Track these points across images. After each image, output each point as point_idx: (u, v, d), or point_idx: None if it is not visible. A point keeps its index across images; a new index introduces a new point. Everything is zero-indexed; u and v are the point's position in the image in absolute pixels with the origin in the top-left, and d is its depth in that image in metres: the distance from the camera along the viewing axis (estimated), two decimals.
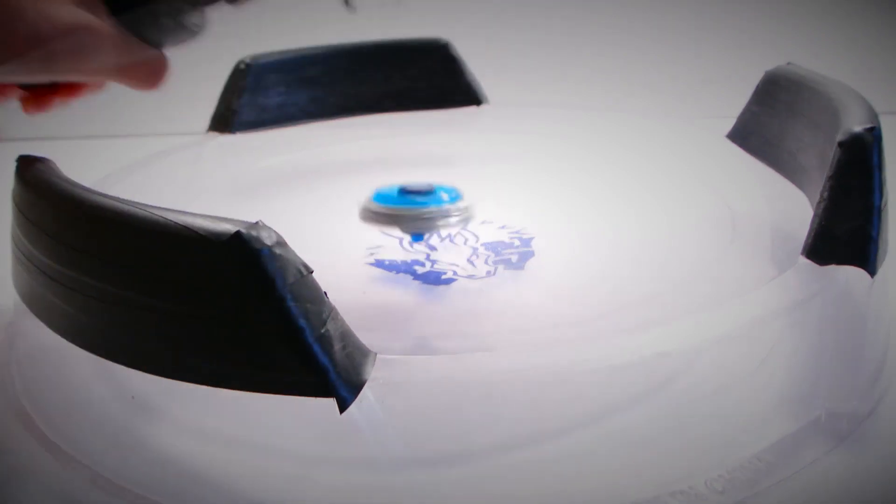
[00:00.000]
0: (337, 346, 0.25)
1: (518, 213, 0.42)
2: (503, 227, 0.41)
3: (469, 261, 0.38)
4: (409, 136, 0.54)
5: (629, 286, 0.36)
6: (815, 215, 0.33)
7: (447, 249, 0.39)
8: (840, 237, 0.32)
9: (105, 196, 0.27)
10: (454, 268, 0.37)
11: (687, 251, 0.38)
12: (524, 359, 0.29)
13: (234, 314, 0.25)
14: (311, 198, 0.47)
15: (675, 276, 0.36)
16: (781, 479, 0.29)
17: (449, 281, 0.36)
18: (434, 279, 0.36)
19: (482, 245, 0.39)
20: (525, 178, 0.48)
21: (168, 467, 0.30)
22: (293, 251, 0.25)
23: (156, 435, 0.31)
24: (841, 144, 0.32)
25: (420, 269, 0.37)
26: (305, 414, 0.28)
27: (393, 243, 0.40)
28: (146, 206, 0.26)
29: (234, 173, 0.49)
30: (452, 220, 0.39)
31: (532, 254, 0.38)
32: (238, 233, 0.24)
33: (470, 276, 0.36)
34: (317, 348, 0.25)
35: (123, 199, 0.27)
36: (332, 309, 0.25)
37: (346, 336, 0.26)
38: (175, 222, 0.25)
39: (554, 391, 0.29)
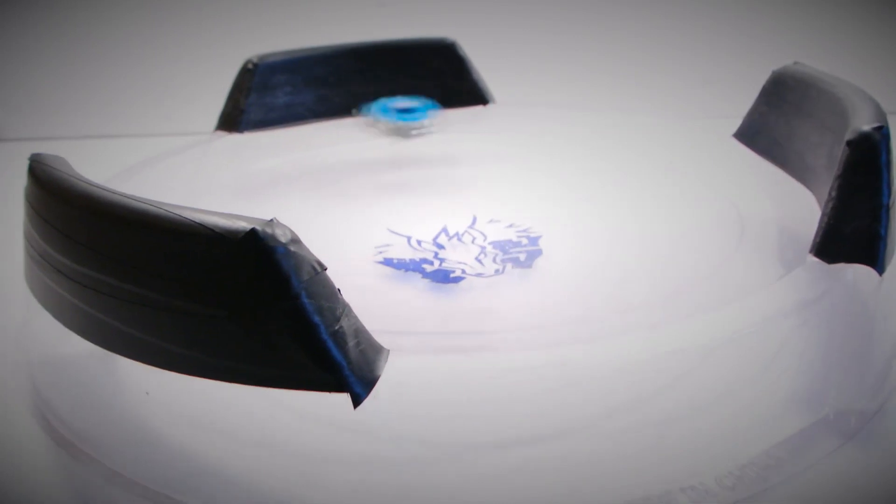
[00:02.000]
0: (351, 343, 0.25)
1: (525, 212, 0.42)
2: (511, 226, 0.41)
3: (477, 259, 0.38)
4: (416, 135, 0.54)
5: (637, 284, 0.36)
6: (823, 214, 0.33)
7: (455, 248, 0.39)
8: (848, 236, 0.32)
9: (119, 193, 0.28)
10: (463, 266, 0.37)
11: (695, 250, 0.38)
12: (534, 356, 0.29)
13: (249, 311, 0.25)
14: (318, 196, 0.47)
15: (684, 275, 0.36)
16: (790, 475, 0.29)
17: (458, 279, 0.36)
18: (443, 277, 0.37)
19: (490, 244, 0.39)
20: (532, 178, 0.48)
21: (182, 463, 0.30)
22: (307, 248, 0.25)
23: (170, 431, 0.31)
24: (849, 143, 0.32)
25: (429, 268, 0.37)
26: (318, 411, 0.28)
27: (401, 242, 0.40)
28: (161, 203, 0.26)
29: (242, 172, 0.49)
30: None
31: (540, 252, 0.38)
32: (253, 230, 0.25)
33: (478, 275, 0.37)
34: (331, 344, 0.25)
35: (137, 197, 0.27)
36: (345, 306, 0.26)
37: (360, 333, 0.26)
38: (190, 220, 0.25)
39: (564, 388, 0.29)
